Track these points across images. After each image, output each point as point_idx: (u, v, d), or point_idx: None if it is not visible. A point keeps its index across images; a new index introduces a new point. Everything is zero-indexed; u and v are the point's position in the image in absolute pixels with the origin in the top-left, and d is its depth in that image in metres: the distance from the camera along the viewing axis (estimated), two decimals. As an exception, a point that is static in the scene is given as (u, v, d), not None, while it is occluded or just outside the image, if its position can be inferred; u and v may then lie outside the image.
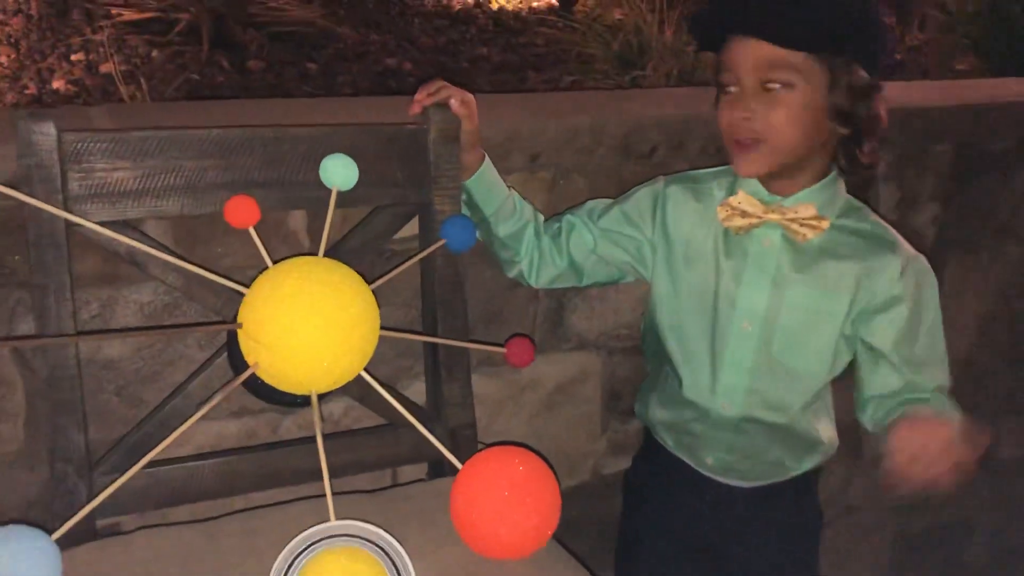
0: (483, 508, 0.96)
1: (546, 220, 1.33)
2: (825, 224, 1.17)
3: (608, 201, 1.33)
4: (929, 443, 1.01)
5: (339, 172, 1.09)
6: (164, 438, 0.94)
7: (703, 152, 1.53)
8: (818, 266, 1.20)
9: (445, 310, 1.20)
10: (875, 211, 1.26)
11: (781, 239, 1.19)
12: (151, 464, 1.06)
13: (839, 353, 1.24)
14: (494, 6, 3.27)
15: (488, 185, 1.23)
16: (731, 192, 1.22)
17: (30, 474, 1.21)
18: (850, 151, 1.16)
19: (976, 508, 2.27)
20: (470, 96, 1.19)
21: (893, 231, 1.23)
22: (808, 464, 1.32)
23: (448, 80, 1.22)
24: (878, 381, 1.22)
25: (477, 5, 3.23)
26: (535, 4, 3.39)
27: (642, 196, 1.30)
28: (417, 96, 1.18)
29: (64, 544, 0.85)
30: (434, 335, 1.20)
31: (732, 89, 1.14)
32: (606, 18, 2.89)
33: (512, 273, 1.32)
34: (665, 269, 1.28)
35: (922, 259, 1.22)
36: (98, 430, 1.15)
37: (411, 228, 1.24)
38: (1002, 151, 1.93)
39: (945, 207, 1.89)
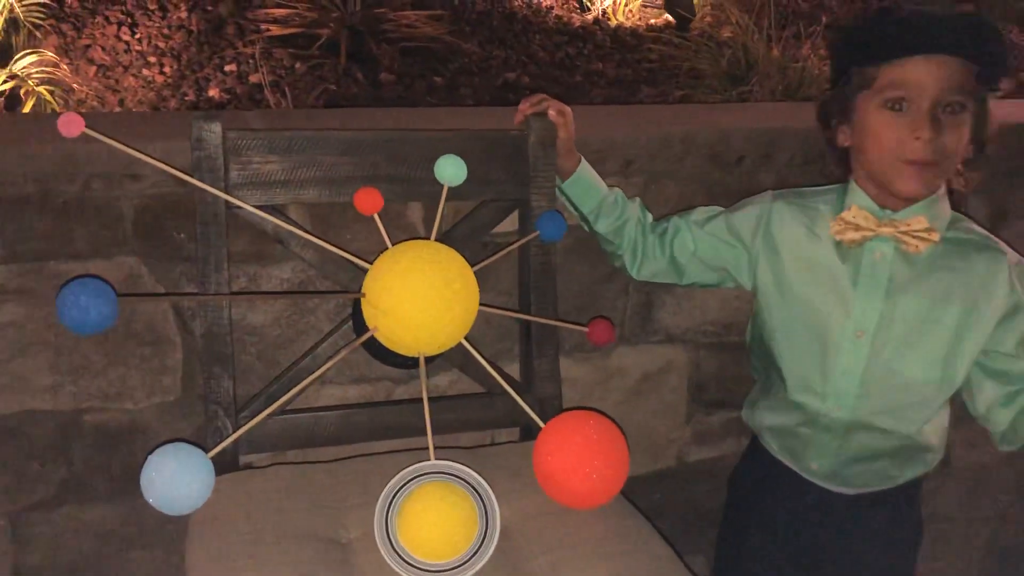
0: (559, 461, 1.11)
1: (656, 220, 1.43)
2: (936, 236, 1.20)
3: (718, 209, 1.41)
4: None
5: (450, 170, 1.27)
6: (299, 390, 1.13)
7: (790, 163, 1.63)
8: (929, 277, 1.24)
9: (538, 294, 1.36)
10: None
11: (893, 251, 1.24)
12: (284, 412, 1.27)
13: (951, 363, 1.26)
14: (612, 23, 3.39)
15: (584, 187, 1.37)
16: (837, 208, 1.28)
17: (185, 422, 1.44)
18: (965, 173, 1.24)
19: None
20: (567, 108, 1.34)
21: (996, 239, 1.27)
22: (911, 473, 1.35)
23: (562, 93, 1.38)
24: (1013, 375, 1.27)
25: (596, 22, 3.36)
26: (653, 21, 3.50)
27: (749, 208, 1.36)
28: (520, 107, 1.35)
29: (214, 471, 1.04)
30: (528, 315, 1.36)
31: (903, 107, 1.16)
32: (717, 35, 3.01)
33: (616, 264, 1.44)
34: (771, 279, 1.33)
35: None
36: (241, 385, 1.35)
37: (511, 223, 1.41)
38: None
39: (1037, 225, 1.93)
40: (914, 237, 1.21)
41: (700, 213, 1.40)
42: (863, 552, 1.38)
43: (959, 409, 2.01)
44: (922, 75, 1.14)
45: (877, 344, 1.26)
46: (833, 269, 1.28)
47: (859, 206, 1.24)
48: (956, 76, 1.14)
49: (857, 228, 1.23)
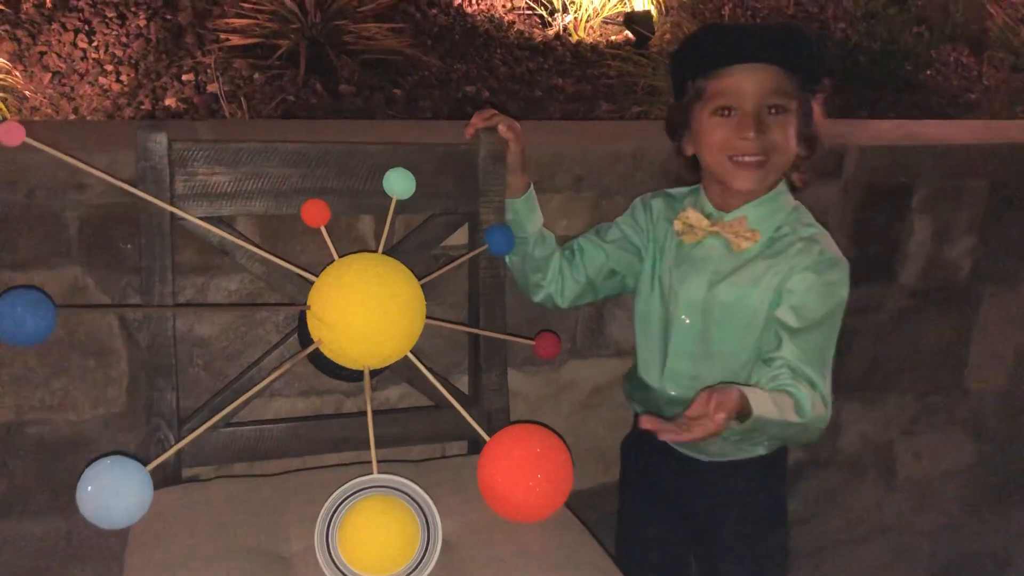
0: (501, 474, 1.12)
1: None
2: (757, 236, 1.31)
3: (607, 223, 1.49)
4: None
5: (399, 184, 1.27)
6: (243, 403, 1.13)
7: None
8: (746, 266, 1.33)
9: (486, 307, 1.37)
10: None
11: (723, 246, 1.34)
12: (229, 424, 1.26)
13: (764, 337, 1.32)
14: (574, 39, 3.41)
15: (531, 206, 1.40)
16: (692, 206, 1.38)
17: (129, 434, 1.42)
18: (794, 171, 1.35)
19: (1015, 538, 2.31)
20: (516, 123, 1.35)
21: (822, 235, 1.33)
22: (758, 449, 1.39)
23: (522, 108, 1.40)
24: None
25: (557, 38, 3.38)
26: (613, 38, 3.53)
27: (636, 209, 1.47)
28: (472, 121, 1.36)
29: (155, 485, 1.02)
30: (476, 329, 1.37)
31: (731, 113, 1.28)
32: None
33: (539, 297, 1.46)
34: (649, 270, 1.44)
35: (842, 265, 1.30)
36: (187, 397, 1.35)
37: (461, 236, 1.41)
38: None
39: (982, 241, 1.98)
40: (738, 236, 1.32)
41: (597, 229, 1.48)
42: (726, 519, 1.45)
43: (905, 423, 2.06)
44: (743, 82, 1.27)
45: (701, 328, 1.36)
46: (674, 259, 1.39)
47: (695, 208, 1.36)
48: (775, 81, 1.27)
49: (692, 228, 1.35)
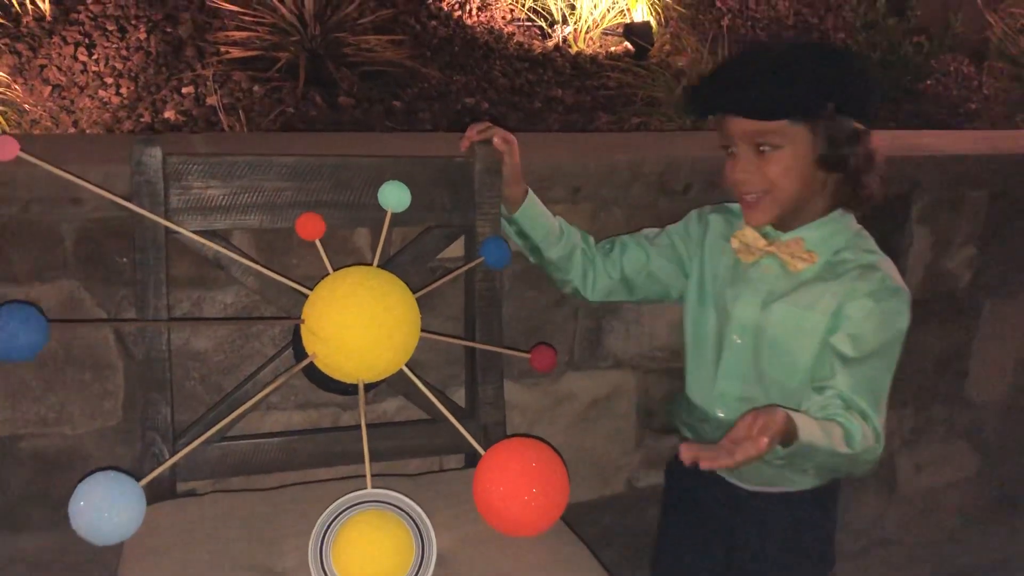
0: (497, 488, 1.11)
1: (598, 242, 1.48)
2: (815, 258, 1.30)
3: (658, 229, 1.49)
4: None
5: (394, 196, 1.27)
6: (237, 417, 1.12)
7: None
8: (802, 288, 1.31)
9: (483, 320, 1.36)
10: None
11: (779, 267, 1.33)
12: (224, 438, 1.26)
13: (817, 363, 1.30)
14: (573, 50, 3.42)
15: (534, 216, 1.39)
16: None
17: (126, 448, 1.42)
18: (850, 190, 1.30)
19: (1017, 549, 2.30)
20: (511, 136, 1.35)
21: (882, 261, 1.31)
22: (809, 483, 1.39)
23: (521, 119, 1.39)
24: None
25: (557, 49, 3.38)
26: (613, 49, 3.54)
27: (691, 220, 1.47)
28: (467, 134, 1.36)
29: (149, 500, 1.01)
30: (472, 342, 1.37)
31: (732, 151, 1.29)
32: (673, 64, 3.05)
33: (567, 290, 1.48)
34: (697, 284, 1.43)
35: (903, 295, 1.28)
36: (183, 411, 1.34)
37: (458, 249, 1.41)
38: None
39: (982, 252, 1.97)
40: (794, 257, 1.30)
41: (647, 231, 1.49)
42: (769, 550, 1.43)
43: (907, 434, 2.05)
44: (731, 124, 1.28)
45: (753, 349, 1.35)
46: (730, 278, 1.38)
47: (752, 227, 1.34)
48: (758, 125, 1.25)
49: (748, 247, 1.35)
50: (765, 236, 1.34)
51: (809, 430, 1.09)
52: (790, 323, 1.31)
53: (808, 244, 1.31)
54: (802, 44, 1.32)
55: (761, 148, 1.26)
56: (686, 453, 1.00)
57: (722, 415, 1.38)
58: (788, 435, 1.05)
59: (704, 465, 1.00)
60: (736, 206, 1.42)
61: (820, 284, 1.30)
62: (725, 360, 1.37)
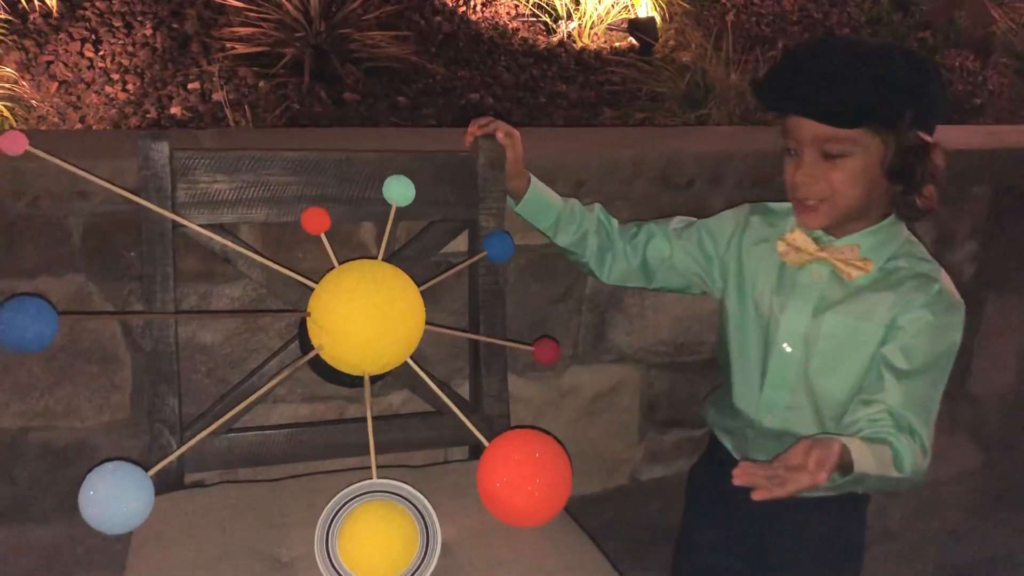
0: (501, 478, 1.12)
1: (624, 224, 1.45)
2: (869, 266, 1.26)
3: (692, 219, 1.46)
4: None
5: (398, 191, 1.28)
6: (244, 409, 1.14)
7: (739, 186, 1.66)
8: (857, 298, 1.27)
9: (486, 313, 1.38)
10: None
11: (829, 273, 1.29)
12: (231, 430, 1.27)
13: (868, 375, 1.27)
14: (578, 45, 3.42)
15: (537, 206, 1.39)
16: (796, 227, 1.32)
17: (134, 440, 1.43)
18: (908, 200, 1.25)
19: (1020, 543, 2.30)
20: (514, 130, 1.36)
21: (936, 270, 1.29)
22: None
23: (526, 114, 1.39)
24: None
25: (561, 44, 3.39)
26: (617, 44, 3.54)
27: (726, 219, 1.42)
28: (469, 128, 1.37)
29: (157, 491, 1.02)
30: (476, 335, 1.38)
31: (795, 151, 1.23)
32: (677, 59, 3.05)
33: (584, 270, 1.46)
34: (735, 288, 1.39)
35: (960, 308, 1.26)
36: (190, 404, 1.35)
37: (462, 243, 1.42)
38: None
39: (984, 246, 1.97)
40: (848, 264, 1.26)
41: (678, 222, 1.45)
42: (802, 556, 1.41)
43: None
44: (799, 126, 1.21)
45: (803, 358, 1.31)
46: (776, 283, 1.34)
47: (803, 229, 1.30)
48: (829, 130, 1.18)
49: (798, 250, 1.30)
50: (816, 240, 1.29)
51: (863, 460, 1.08)
52: (844, 333, 1.28)
53: (863, 251, 1.27)
54: (882, 44, 1.23)
55: (829, 154, 1.20)
56: (742, 478, 1.00)
57: (767, 424, 1.36)
58: (843, 467, 1.05)
59: (758, 496, 1.00)
60: (778, 205, 1.39)
61: (875, 294, 1.26)
62: (772, 368, 1.34)
